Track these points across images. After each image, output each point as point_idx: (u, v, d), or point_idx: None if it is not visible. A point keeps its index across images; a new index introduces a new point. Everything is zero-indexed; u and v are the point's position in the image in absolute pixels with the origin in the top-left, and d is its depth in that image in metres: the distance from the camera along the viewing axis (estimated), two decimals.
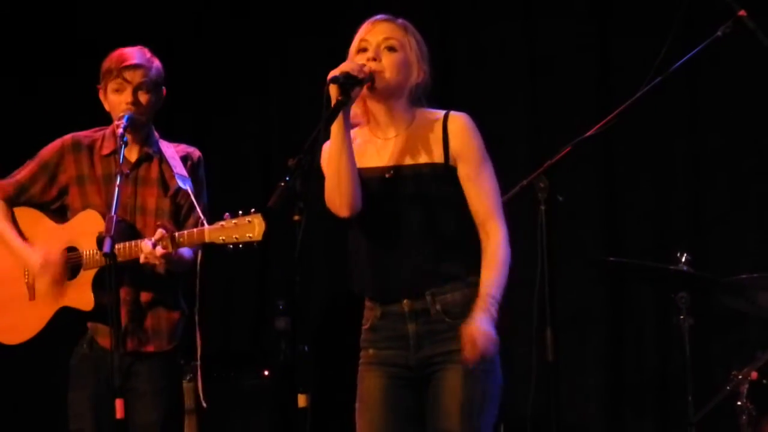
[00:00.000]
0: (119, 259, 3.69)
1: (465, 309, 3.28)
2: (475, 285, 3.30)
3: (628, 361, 5.39)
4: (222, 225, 3.64)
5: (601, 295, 5.43)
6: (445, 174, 3.33)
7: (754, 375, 4.24)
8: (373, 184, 3.33)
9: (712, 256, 5.16)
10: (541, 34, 5.58)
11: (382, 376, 3.35)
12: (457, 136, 3.34)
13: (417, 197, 3.31)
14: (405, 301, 3.31)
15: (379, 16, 3.39)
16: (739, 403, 4.24)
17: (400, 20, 3.39)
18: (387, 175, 3.34)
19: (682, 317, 4.39)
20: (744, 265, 4.76)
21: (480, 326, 3.21)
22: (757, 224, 5.21)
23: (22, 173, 4.03)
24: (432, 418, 3.30)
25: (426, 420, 3.31)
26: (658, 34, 5.11)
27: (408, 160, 3.35)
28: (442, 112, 3.39)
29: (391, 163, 3.35)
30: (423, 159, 3.34)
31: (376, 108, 3.38)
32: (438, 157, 3.34)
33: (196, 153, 4.06)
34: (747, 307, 4.43)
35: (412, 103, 3.39)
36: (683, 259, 4.36)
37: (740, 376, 4.24)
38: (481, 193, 3.33)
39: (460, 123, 3.36)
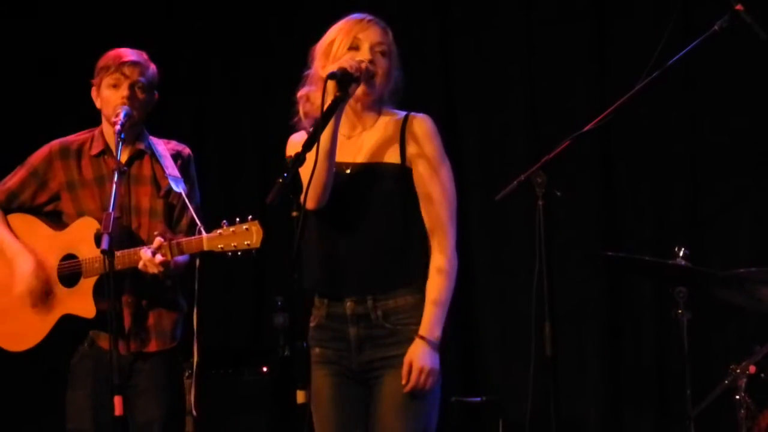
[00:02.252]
0: (118, 267, 3.68)
1: (406, 316, 3.29)
2: (419, 292, 3.30)
3: (627, 355, 5.40)
4: (220, 233, 3.63)
5: (600, 289, 5.44)
6: (401, 175, 3.33)
7: (752, 369, 4.25)
8: (336, 179, 3.30)
9: (710, 250, 5.17)
10: (539, 29, 5.59)
11: (328, 374, 3.35)
12: (415, 139, 3.34)
13: (370, 196, 3.31)
14: (348, 303, 3.32)
15: (368, 16, 3.37)
16: (737, 397, 4.24)
17: (382, 23, 3.39)
18: (347, 171, 3.33)
19: (680, 311, 4.39)
20: (742, 259, 4.77)
21: (419, 361, 3.23)
22: (755, 218, 5.22)
23: (11, 180, 4.02)
24: (372, 422, 3.31)
25: (369, 422, 3.32)
26: (655, 29, 5.16)
27: (367, 159, 3.34)
28: (403, 113, 3.39)
29: (350, 160, 3.35)
30: (380, 158, 3.34)
31: (355, 108, 3.36)
32: (394, 157, 3.33)
33: (186, 150, 4.05)
34: (745, 302, 4.43)
35: (380, 103, 3.39)
36: (681, 254, 4.36)
37: (738, 370, 4.25)
38: (435, 196, 3.32)
39: (418, 125, 3.35)
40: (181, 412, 4.08)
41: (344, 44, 3.33)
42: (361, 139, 3.37)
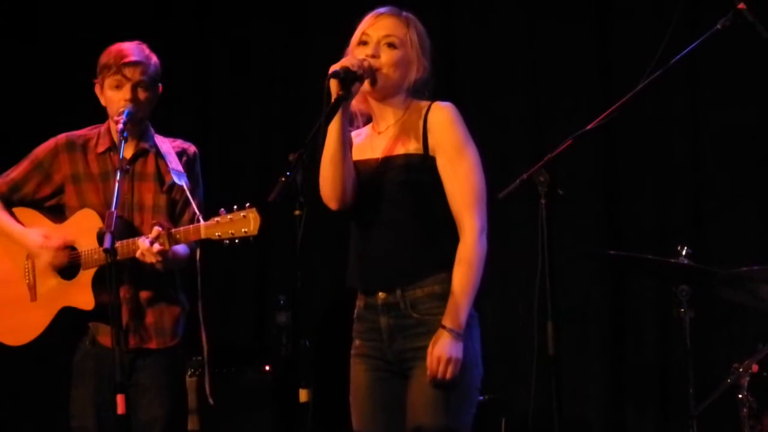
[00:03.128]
0: (118, 257, 3.68)
1: (434, 306, 3.30)
2: (445, 283, 3.30)
3: (629, 354, 5.40)
4: (217, 221, 3.63)
5: (602, 288, 5.43)
6: (424, 164, 3.33)
7: (754, 368, 4.24)
8: (365, 176, 3.36)
9: (712, 248, 5.16)
10: (543, 26, 5.58)
11: (366, 369, 3.39)
12: (436, 127, 3.34)
13: (397, 188, 3.33)
14: (379, 293, 3.34)
15: (383, 10, 3.39)
16: (740, 395, 4.24)
17: (404, 14, 3.40)
18: (374, 168, 3.36)
19: (682, 310, 4.39)
20: (745, 258, 4.76)
21: (438, 350, 3.23)
22: (758, 216, 5.21)
23: (15, 172, 4.02)
24: (406, 412, 3.31)
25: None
26: (658, 27, 5.15)
27: (393, 151, 3.36)
28: (428, 103, 3.39)
29: (380, 155, 3.37)
30: (404, 150, 3.35)
31: (374, 104, 3.40)
32: (417, 147, 3.34)
33: (191, 148, 4.05)
34: (748, 300, 4.42)
35: (411, 96, 3.40)
36: (684, 252, 4.36)
37: (741, 369, 4.24)
38: (457, 184, 3.31)
39: (439, 113, 3.35)
40: (183, 410, 4.08)
41: (355, 40, 3.36)
42: (390, 133, 3.40)
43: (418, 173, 3.33)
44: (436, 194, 3.33)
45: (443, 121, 3.34)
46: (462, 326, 3.26)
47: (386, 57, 3.32)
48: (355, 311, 3.44)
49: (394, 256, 3.32)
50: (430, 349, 3.25)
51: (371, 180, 3.35)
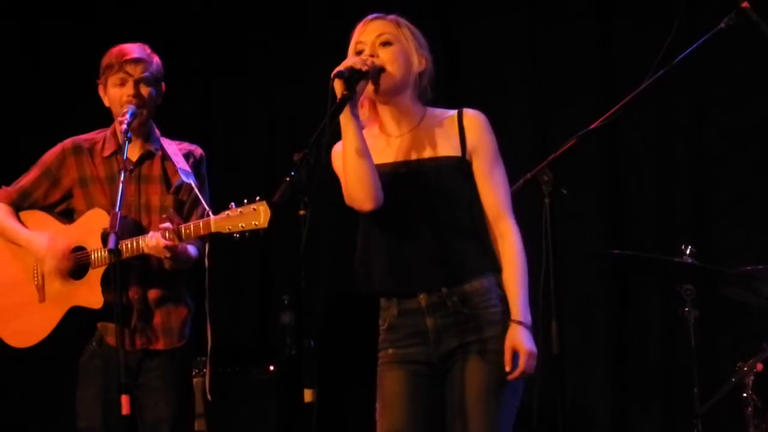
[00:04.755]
0: (125, 255, 3.69)
1: (482, 299, 3.30)
2: (489, 276, 3.32)
3: (634, 353, 5.39)
4: (227, 214, 3.64)
5: (607, 287, 5.43)
6: (462, 167, 3.35)
7: (759, 367, 4.25)
8: (389, 179, 3.32)
9: (717, 248, 5.16)
10: (545, 26, 5.58)
11: (404, 375, 3.34)
12: (474, 131, 3.37)
13: (434, 191, 3.32)
14: (421, 295, 3.32)
15: (370, 16, 3.40)
16: (744, 394, 4.24)
17: (391, 16, 3.41)
18: (401, 171, 3.34)
19: (687, 309, 4.40)
20: (749, 257, 4.76)
21: (524, 344, 3.25)
22: (762, 216, 5.21)
23: (25, 179, 4.05)
24: (452, 409, 3.30)
25: (446, 412, 3.31)
26: (661, 26, 5.15)
27: (424, 154, 3.36)
28: (453, 111, 3.42)
29: (402, 159, 3.36)
30: (440, 152, 3.36)
31: (384, 108, 3.40)
32: (455, 150, 3.36)
33: (198, 150, 4.07)
34: (752, 299, 4.43)
35: (419, 97, 3.41)
36: (688, 252, 4.36)
37: (746, 368, 4.25)
38: (495, 189, 3.36)
39: (476, 118, 3.39)
40: (189, 411, 4.09)
41: (351, 51, 3.37)
42: (413, 137, 3.39)
43: (454, 176, 3.35)
44: (471, 197, 3.36)
45: (483, 126, 3.39)
46: (530, 320, 3.29)
47: (384, 54, 3.32)
48: (384, 321, 3.38)
49: (439, 256, 3.30)
50: (509, 344, 3.25)
51: (399, 183, 3.33)
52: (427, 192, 3.32)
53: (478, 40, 5.68)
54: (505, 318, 3.30)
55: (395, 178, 3.33)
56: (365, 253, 3.38)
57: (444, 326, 3.31)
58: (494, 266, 3.35)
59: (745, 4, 3.30)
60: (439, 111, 3.43)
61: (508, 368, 3.25)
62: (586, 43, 5.52)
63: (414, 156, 3.36)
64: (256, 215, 3.59)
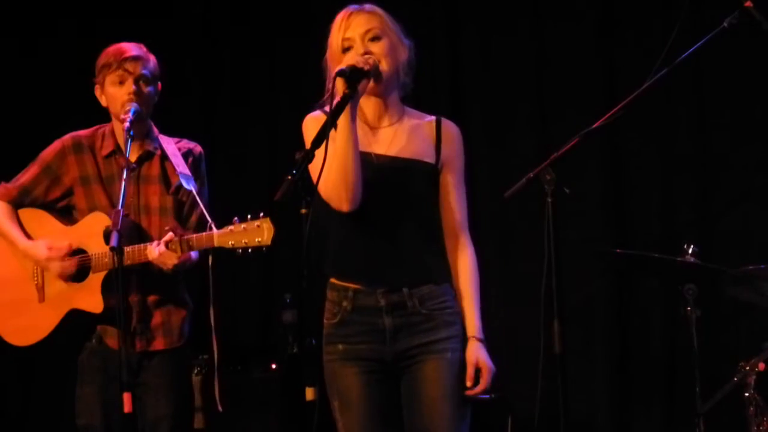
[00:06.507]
0: (127, 262, 3.68)
1: (438, 302, 3.32)
2: (447, 283, 3.36)
3: (636, 352, 5.40)
4: (231, 230, 3.63)
5: (609, 287, 5.43)
6: (432, 174, 3.37)
7: (761, 366, 4.24)
8: (368, 170, 3.29)
9: (719, 247, 5.16)
10: (548, 27, 5.58)
11: (358, 372, 3.32)
12: (450, 143, 3.41)
13: (405, 193, 3.32)
14: (381, 293, 3.31)
15: (350, 10, 3.36)
16: (746, 394, 4.23)
17: (368, 6, 3.38)
18: (378, 162, 3.32)
19: (689, 309, 4.39)
20: (751, 256, 4.75)
21: (486, 362, 3.31)
22: (765, 215, 5.21)
23: (24, 176, 4.02)
24: (413, 409, 3.30)
25: (405, 412, 3.32)
26: (664, 26, 5.15)
27: (402, 154, 3.35)
28: (431, 116, 3.43)
29: (383, 151, 3.35)
30: (416, 155, 3.36)
31: (369, 100, 3.36)
32: (430, 157, 3.37)
33: (197, 148, 4.05)
34: (754, 298, 4.42)
35: (399, 91, 3.40)
36: (690, 251, 4.35)
37: (748, 368, 4.24)
38: (459, 203, 3.40)
39: (454, 131, 3.44)
40: (189, 409, 4.09)
41: (338, 48, 3.33)
42: (391, 132, 3.38)
43: (428, 181, 3.37)
44: (435, 204, 3.39)
45: (459, 140, 3.43)
46: (484, 340, 3.37)
47: (377, 49, 3.30)
48: (334, 315, 3.34)
49: (404, 257, 3.31)
50: (471, 360, 3.30)
51: (377, 176, 3.31)
52: (398, 193, 3.32)
53: (481, 39, 5.68)
54: (459, 320, 3.35)
55: (374, 171, 3.30)
56: (337, 241, 3.33)
57: (402, 325, 3.31)
58: (450, 275, 3.39)
59: (748, 3, 3.29)
60: (416, 112, 3.44)
61: (469, 384, 3.29)
62: (589, 42, 5.51)
63: (389, 152, 3.35)
64: (259, 232, 3.59)
